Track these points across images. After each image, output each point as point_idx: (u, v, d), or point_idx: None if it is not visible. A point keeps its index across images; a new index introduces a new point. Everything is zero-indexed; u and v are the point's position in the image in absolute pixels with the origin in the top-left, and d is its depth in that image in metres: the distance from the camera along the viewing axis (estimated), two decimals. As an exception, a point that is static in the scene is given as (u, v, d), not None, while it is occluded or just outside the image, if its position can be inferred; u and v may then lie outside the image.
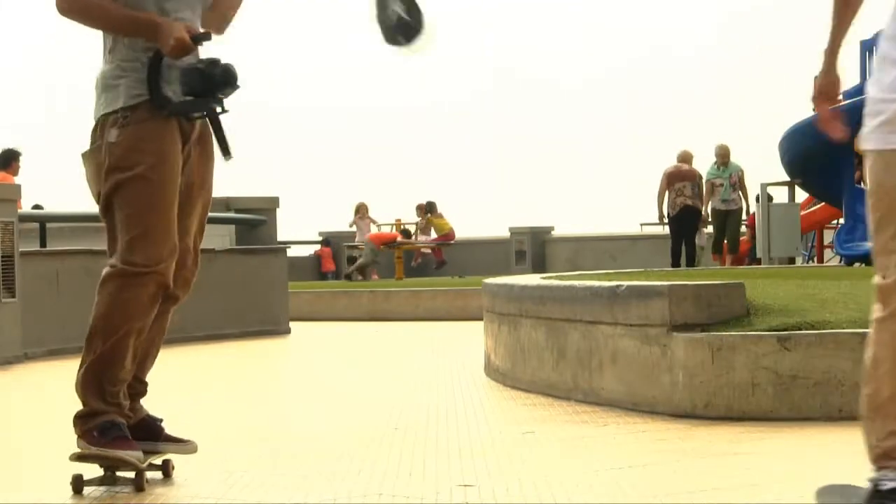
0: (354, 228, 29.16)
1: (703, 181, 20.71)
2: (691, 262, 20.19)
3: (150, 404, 8.80)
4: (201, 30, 4.95)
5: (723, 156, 21.19)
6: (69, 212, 16.92)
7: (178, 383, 10.45)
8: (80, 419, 4.96)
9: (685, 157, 20.80)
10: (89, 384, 4.94)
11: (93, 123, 4.86)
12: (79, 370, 4.96)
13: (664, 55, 60.81)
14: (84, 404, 4.96)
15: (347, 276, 27.18)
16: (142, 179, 4.73)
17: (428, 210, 29.34)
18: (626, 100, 57.54)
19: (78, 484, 4.77)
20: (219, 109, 4.94)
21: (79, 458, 4.92)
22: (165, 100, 4.83)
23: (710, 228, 21.51)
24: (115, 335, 4.85)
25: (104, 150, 4.78)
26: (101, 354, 4.88)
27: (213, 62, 4.87)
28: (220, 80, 4.87)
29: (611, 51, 60.71)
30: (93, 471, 4.97)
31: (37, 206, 20.84)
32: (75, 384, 4.99)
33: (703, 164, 21.25)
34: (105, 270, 4.83)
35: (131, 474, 4.85)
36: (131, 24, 4.80)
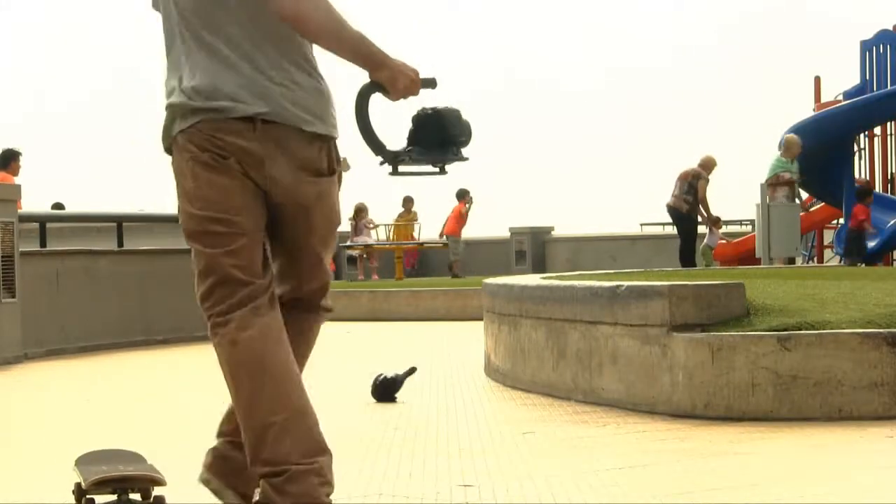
0: (361, 227, 28.79)
1: (700, 181, 20.40)
2: (684, 264, 20.11)
3: (150, 405, 8.81)
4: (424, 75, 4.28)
5: (795, 146, 19.77)
6: (69, 212, 16.94)
7: (178, 384, 10.46)
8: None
9: (701, 161, 20.58)
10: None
11: (311, 137, 4.15)
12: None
13: (664, 56, 60.81)
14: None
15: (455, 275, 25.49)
16: None
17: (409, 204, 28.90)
18: (626, 100, 57.54)
19: (81, 495, 4.66)
20: (456, 157, 4.35)
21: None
22: (383, 148, 4.29)
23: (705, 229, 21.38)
24: None
25: (340, 175, 4.28)
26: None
27: (452, 110, 4.32)
28: (467, 131, 4.34)
29: (611, 52, 60.71)
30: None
31: (57, 205, 20.84)
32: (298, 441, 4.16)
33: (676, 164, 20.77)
34: (322, 313, 4.45)
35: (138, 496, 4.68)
36: (362, 45, 4.14)
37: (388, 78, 4.17)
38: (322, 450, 4.18)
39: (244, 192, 4.13)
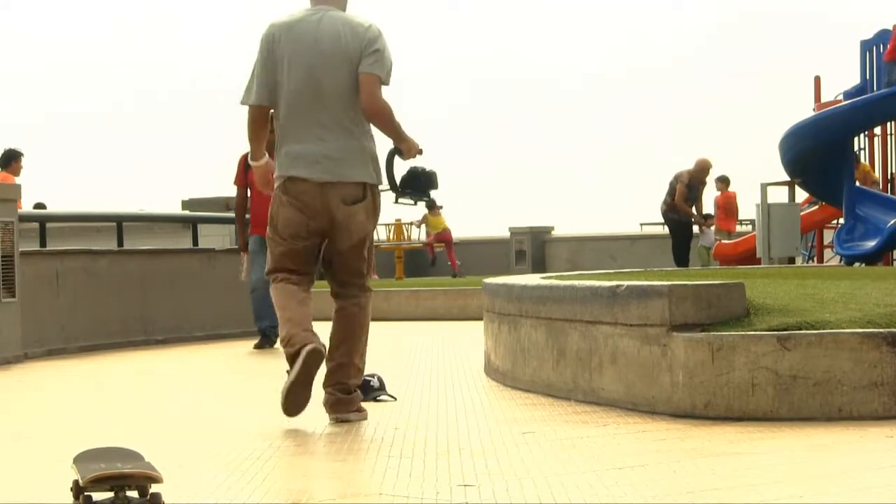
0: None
1: (678, 184, 20.64)
2: (676, 263, 20.24)
3: (149, 405, 8.80)
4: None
5: None
6: (69, 212, 16.92)
7: (179, 383, 10.46)
8: (354, 395, 6.94)
9: (694, 164, 20.88)
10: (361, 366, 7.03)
11: (351, 179, 6.76)
12: (356, 360, 6.91)
13: (664, 56, 60.85)
14: (356, 381, 6.95)
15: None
16: None
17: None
18: (626, 100, 57.57)
19: (78, 492, 4.66)
20: (427, 200, 7.60)
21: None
22: (397, 189, 7.25)
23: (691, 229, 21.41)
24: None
25: (375, 207, 6.85)
26: (365, 348, 7.02)
27: (430, 170, 7.36)
28: (435, 183, 7.37)
29: (611, 51, 60.73)
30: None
31: (39, 205, 20.81)
32: (353, 370, 6.91)
33: (680, 160, 21.06)
34: (366, 292, 6.96)
35: (135, 493, 4.67)
36: (399, 128, 6.86)
37: (407, 147, 7.00)
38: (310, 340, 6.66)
39: (301, 219, 6.77)
